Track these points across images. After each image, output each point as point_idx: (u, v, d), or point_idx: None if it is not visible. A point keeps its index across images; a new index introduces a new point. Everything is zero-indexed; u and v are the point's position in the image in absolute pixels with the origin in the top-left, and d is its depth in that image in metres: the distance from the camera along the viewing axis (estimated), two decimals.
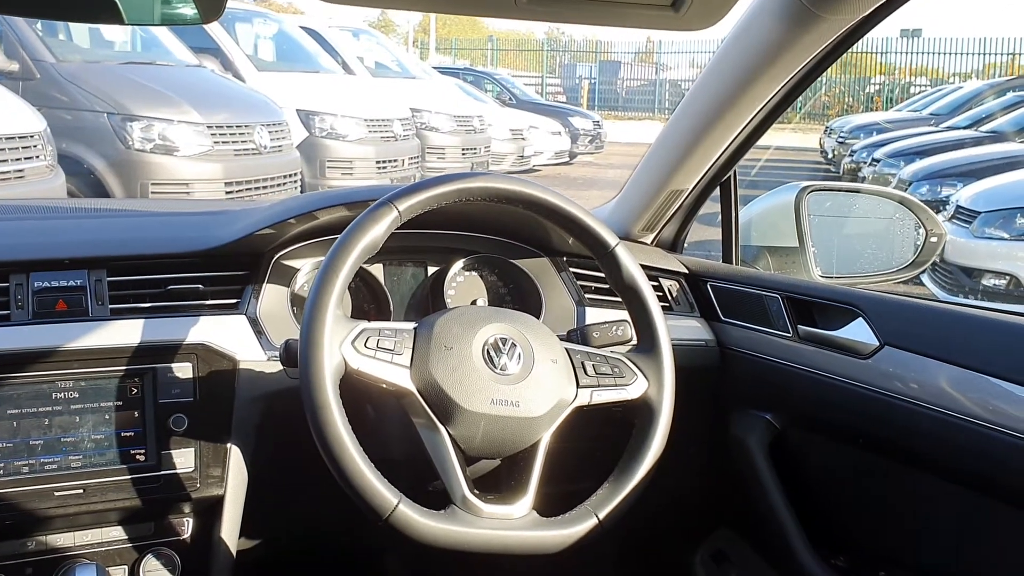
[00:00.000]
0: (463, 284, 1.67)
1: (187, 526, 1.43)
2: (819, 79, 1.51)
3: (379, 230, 1.22)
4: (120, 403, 1.34)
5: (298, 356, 1.16)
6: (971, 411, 1.27)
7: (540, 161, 12.72)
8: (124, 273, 1.40)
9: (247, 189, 6.05)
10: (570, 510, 1.25)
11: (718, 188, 1.79)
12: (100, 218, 1.78)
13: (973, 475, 1.30)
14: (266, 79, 7.69)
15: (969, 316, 1.38)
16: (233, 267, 1.46)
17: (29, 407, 1.30)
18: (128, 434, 1.34)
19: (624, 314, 1.38)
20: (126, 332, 1.35)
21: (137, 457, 1.34)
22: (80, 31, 6.21)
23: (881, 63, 23.51)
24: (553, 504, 1.25)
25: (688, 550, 1.89)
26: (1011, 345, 1.28)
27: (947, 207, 5.87)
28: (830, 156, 12.70)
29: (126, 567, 1.40)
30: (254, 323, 1.43)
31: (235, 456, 1.41)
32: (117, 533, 1.39)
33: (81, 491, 1.32)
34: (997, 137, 8.93)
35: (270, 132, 6.36)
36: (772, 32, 1.38)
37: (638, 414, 1.33)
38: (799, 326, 1.58)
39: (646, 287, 1.35)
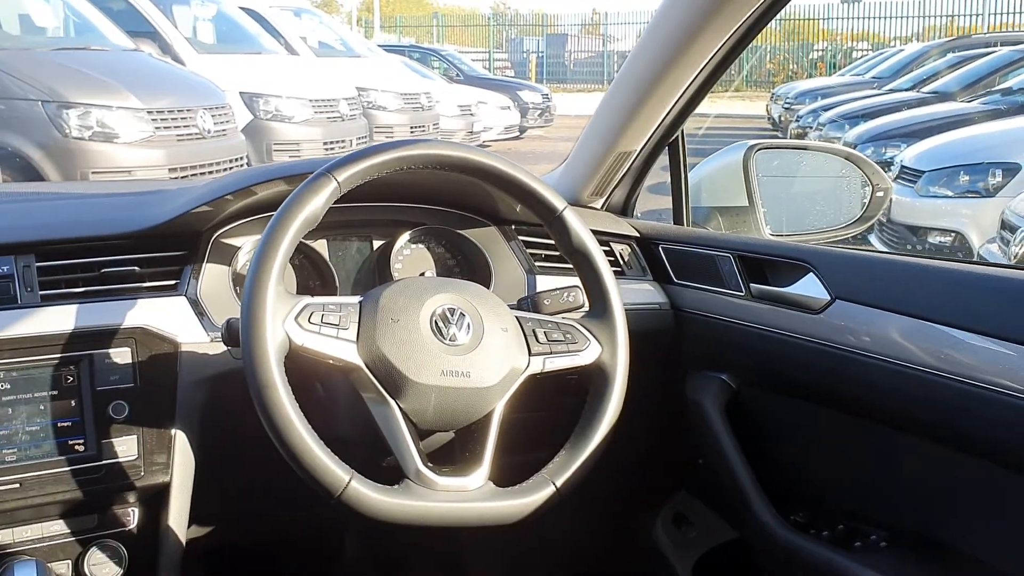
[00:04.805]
0: (410, 257, 1.63)
1: (133, 516, 1.38)
2: (764, 46, 1.50)
3: (318, 202, 1.18)
4: (55, 392, 1.29)
5: (240, 335, 1.13)
6: (922, 360, 1.27)
7: (490, 136, 12.67)
8: (54, 258, 1.34)
9: (192, 175, 5.92)
10: (527, 479, 1.23)
11: (666, 149, 1.77)
12: (28, 202, 1.71)
13: (926, 424, 1.31)
14: (207, 62, 7.51)
15: (917, 266, 1.38)
16: (170, 247, 1.41)
17: None
18: (65, 424, 1.29)
19: (575, 280, 1.36)
20: (59, 318, 1.30)
21: (76, 448, 1.29)
22: (9, 18, 6.03)
23: (823, 29, 23.74)
24: (510, 474, 1.23)
25: (648, 514, 1.89)
26: (958, 292, 1.28)
27: (892, 168, 5.95)
28: (777, 122, 12.83)
29: (70, 562, 1.35)
30: (195, 304, 1.38)
31: (180, 442, 1.37)
32: (58, 527, 1.34)
33: (17, 485, 1.26)
34: (939, 97, 9.08)
35: (213, 116, 6.22)
36: None
37: (592, 380, 1.31)
38: (751, 284, 1.57)
39: (596, 251, 1.33)
